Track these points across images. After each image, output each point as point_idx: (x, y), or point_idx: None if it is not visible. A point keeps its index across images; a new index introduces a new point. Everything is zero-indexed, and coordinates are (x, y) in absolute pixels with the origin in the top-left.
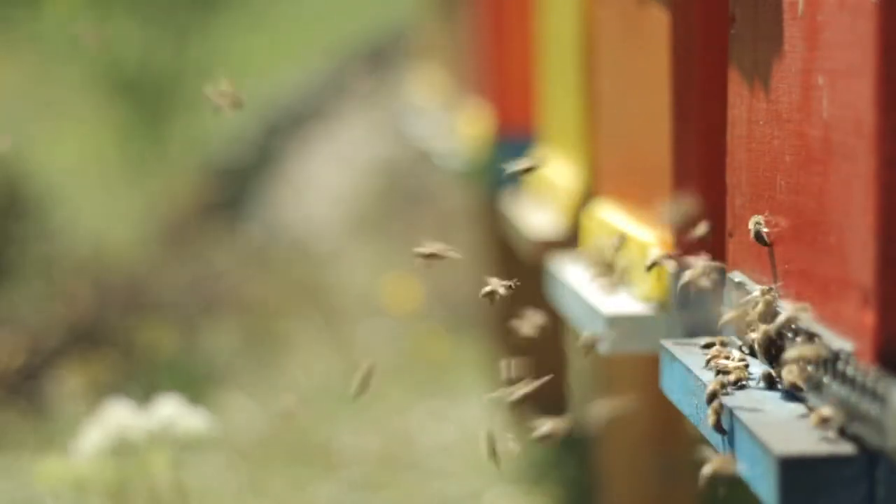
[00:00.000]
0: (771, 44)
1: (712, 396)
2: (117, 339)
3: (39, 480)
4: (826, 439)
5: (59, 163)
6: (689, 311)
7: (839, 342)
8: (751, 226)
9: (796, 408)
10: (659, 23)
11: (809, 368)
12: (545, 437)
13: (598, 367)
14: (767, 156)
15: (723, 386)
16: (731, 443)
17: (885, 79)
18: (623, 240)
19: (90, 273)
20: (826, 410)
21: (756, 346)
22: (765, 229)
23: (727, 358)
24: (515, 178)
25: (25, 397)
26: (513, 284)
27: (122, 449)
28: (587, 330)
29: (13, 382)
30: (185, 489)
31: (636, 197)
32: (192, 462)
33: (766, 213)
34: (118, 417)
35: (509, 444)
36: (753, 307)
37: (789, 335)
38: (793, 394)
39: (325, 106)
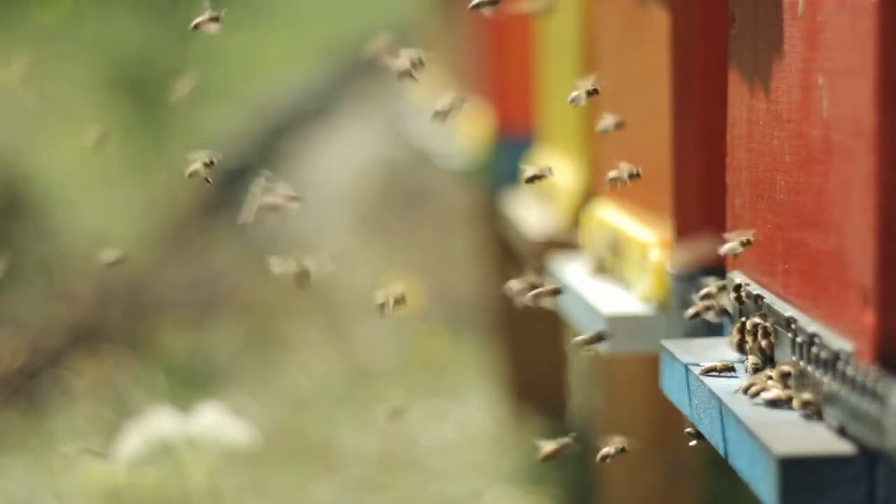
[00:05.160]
0: (771, 44)
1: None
2: (118, 339)
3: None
4: (826, 439)
5: (60, 162)
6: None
7: (839, 342)
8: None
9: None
10: (659, 23)
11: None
12: (549, 456)
13: (598, 367)
14: (767, 156)
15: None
16: (732, 443)
17: (885, 79)
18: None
19: (90, 273)
20: (807, 394)
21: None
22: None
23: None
24: (529, 182)
25: (25, 397)
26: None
27: (160, 457)
28: (588, 329)
29: (13, 382)
30: (221, 498)
31: (636, 197)
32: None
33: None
34: (159, 425)
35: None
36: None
37: (787, 333)
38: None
39: (326, 106)
